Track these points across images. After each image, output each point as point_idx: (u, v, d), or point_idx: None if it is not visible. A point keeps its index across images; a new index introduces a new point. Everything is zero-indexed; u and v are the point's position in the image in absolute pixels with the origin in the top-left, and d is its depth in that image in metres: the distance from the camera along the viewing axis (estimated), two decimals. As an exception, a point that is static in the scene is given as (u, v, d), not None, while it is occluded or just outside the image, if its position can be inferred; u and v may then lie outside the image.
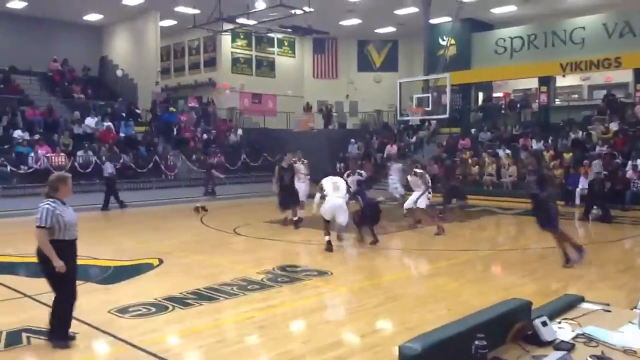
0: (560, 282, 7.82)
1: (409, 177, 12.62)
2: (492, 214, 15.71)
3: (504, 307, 3.38)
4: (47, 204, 5.25)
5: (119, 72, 26.49)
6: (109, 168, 16.75)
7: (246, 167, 22.88)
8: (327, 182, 10.18)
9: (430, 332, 3.02)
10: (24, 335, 5.51)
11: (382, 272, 8.73)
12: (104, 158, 18.33)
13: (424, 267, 9.02)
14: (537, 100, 25.27)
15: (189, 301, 6.68)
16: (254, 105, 29.32)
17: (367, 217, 10.36)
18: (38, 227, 5.20)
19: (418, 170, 12.20)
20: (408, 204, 12.41)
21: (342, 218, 10.00)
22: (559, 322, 3.37)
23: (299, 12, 19.87)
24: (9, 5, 23.12)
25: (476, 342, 2.77)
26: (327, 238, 9.91)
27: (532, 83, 25.89)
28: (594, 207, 14.47)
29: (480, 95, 28.29)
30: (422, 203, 11.90)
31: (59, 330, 5.25)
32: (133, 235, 11.96)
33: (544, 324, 3.14)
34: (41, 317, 6.09)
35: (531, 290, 7.14)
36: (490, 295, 6.64)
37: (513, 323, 3.19)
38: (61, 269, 5.09)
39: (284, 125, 28.33)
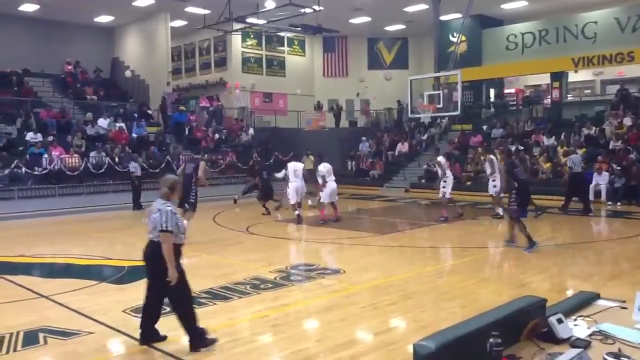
0: (575, 279, 7.78)
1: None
2: (505, 211, 15.59)
3: (518, 305, 3.38)
4: (169, 206, 4.98)
5: (127, 73, 26.64)
6: (134, 168, 16.86)
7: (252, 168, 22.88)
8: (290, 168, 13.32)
9: (444, 330, 3.03)
10: (40, 335, 5.58)
11: (395, 270, 8.71)
12: (117, 158, 18.45)
13: (437, 265, 8.99)
14: (549, 96, 25.08)
15: (202, 300, 6.71)
16: (264, 104, 29.37)
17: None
18: (164, 231, 4.87)
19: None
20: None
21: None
22: (575, 320, 3.35)
23: (308, 10, 19.85)
24: (22, 8, 23.34)
25: (491, 340, 2.77)
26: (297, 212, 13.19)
27: (544, 79, 25.69)
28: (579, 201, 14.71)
29: (492, 91, 28.13)
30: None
31: (196, 334, 5.07)
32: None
33: (560, 321, 3.13)
34: (56, 317, 6.17)
35: (545, 288, 7.11)
36: (505, 293, 6.62)
37: (528, 320, 3.18)
38: (173, 280, 4.88)
39: (295, 124, 28.36)
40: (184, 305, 5.12)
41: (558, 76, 24.57)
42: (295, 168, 13.42)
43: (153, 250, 4.99)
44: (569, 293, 6.71)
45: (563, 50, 24.04)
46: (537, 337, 3.10)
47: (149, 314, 5.24)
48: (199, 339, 5.04)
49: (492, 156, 13.36)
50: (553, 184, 17.55)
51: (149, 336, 5.23)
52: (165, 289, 4.98)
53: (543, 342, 3.07)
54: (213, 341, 5.14)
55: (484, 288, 7.22)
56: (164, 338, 5.27)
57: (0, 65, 22.82)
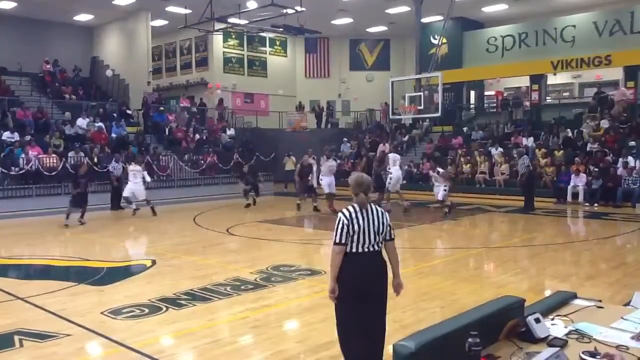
0: (553, 279, 7.87)
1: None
2: (485, 212, 15.78)
3: (497, 305, 3.40)
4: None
5: (108, 72, 26.34)
6: (114, 167, 16.72)
7: (239, 167, 22.78)
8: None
9: (424, 330, 3.03)
10: (16, 337, 5.48)
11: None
12: (96, 158, 18.23)
13: (416, 266, 9.03)
14: (528, 99, 25.38)
15: (182, 302, 6.66)
16: (246, 105, 29.26)
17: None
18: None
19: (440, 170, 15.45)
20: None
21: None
22: (552, 319, 3.38)
23: (290, 11, 19.84)
24: (-1, 6, 22.98)
25: (469, 340, 2.78)
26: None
27: (524, 81, 25.99)
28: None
29: (472, 93, 28.38)
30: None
31: None
32: (126, 236, 11.90)
33: (537, 320, 3.15)
34: (33, 320, 6.08)
35: (524, 288, 7.19)
36: (484, 293, 6.67)
37: (506, 320, 3.20)
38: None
39: (277, 125, 28.31)
40: None
41: (537, 79, 24.89)
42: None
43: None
44: (547, 293, 6.80)
45: (542, 53, 24.36)
46: (516, 337, 3.12)
47: None
48: None
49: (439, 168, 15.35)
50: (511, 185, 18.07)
51: None
52: None
53: (521, 341, 3.08)
54: None
55: (463, 288, 7.27)
56: None
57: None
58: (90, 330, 5.69)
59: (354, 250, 4.03)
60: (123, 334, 5.56)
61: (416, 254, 10.05)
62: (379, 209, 4.15)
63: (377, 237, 4.06)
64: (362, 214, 4.03)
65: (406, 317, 6.03)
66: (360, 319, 4.06)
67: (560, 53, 23.68)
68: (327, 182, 15.55)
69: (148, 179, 15.10)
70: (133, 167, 15.18)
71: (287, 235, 12.07)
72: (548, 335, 3.10)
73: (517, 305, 3.40)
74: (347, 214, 4.04)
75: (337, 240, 4.01)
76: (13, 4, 22.84)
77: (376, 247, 4.08)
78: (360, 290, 4.02)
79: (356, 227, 3.99)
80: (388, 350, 4.71)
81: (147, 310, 6.38)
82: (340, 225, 4.01)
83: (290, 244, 11.10)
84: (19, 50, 24.25)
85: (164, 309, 6.43)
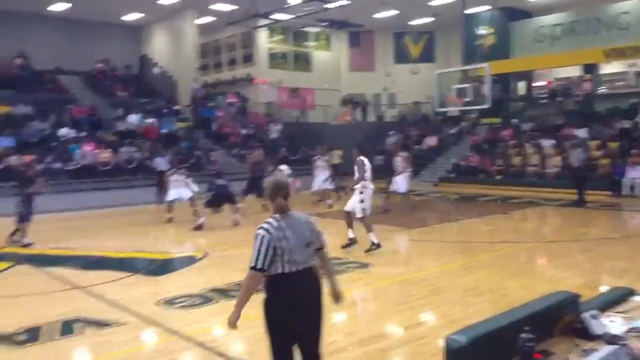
0: (609, 275, 7.66)
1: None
2: (536, 205, 15.42)
3: (551, 300, 3.35)
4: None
5: (156, 70, 26.97)
6: (162, 163, 16.88)
7: (285, 162, 22.96)
8: None
9: (476, 324, 3.02)
10: (76, 325, 5.73)
11: (422, 265, 8.69)
12: (147, 153, 18.71)
13: (465, 260, 8.93)
14: (580, 89, 24.60)
15: (232, 293, 6.79)
16: (291, 99, 29.43)
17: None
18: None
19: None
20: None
21: None
22: (610, 316, 3.31)
23: (334, 5, 19.81)
24: (53, 8, 23.77)
25: (523, 335, 2.76)
26: None
27: (575, 71, 25.20)
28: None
29: (521, 84, 27.70)
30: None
31: None
32: (178, 229, 12.19)
33: (594, 317, 3.10)
34: (92, 308, 6.33)
35: (577, 283, 7.00)
36: (535, 288, 6.54)
37: (561, 316, 3.15)
38: None
39: (322, 119, 28.37)
40: None
41: (589, 68, 24.08)
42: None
43: None
44: (602, 289, 6.62)
45: (594, 41, 23.50)
46: (571, 333, 3.08)
47: None
48: None
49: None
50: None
51: None
52: None
53: (577, 338, 3.04)
54: None
55: (513, 283, 7.15)
56: None
57: (34, 64, 23.30)
58: (146, 319, 5.90)
59: (286, 271, 3.35)
60: (176, 323, 5.73)
61: (465, 247, 9.92)
62: (301, 215, 3.54)
63: (311, 249, 3.48)
64: (287, 224, 3.39)
65: (455, 312, 6.00)
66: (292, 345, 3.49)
67: (614, 41, 22.78)
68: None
69: (195, 188, 12.93)
70: (177, 177, 12.90)
71: (333, 228, 12.12)
72: (605, 333, 3.04)
73: (571, 301, 3.34)
74: (269, 227, 3.36)
75: (258, 265, 3.32)
76: (67, 6, 23.62)
77: (310, 263, 3.47)
78: (294, 323, 3.42)
79: (285, 243, 3.33)
80: (438, 344, 4.71)
81: (199, 301, 6.55)
82: (265, 246, 3.31)
83: (338, 237, 11.13)
84: (72, 50, 25.10)
85: (215, 299, 6.59)
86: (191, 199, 12.40)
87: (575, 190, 15.39)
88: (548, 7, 25.24)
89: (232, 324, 3.50)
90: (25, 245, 10.23)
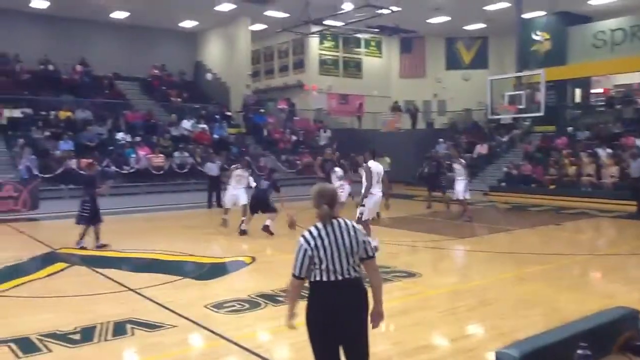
0: (669, 291, 7.30)
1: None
2: (591, 217, 14.90)
3: (608, 315, 3.23)
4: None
5: (208, 76, 27.55)
6: (213, 169, 17.31)
7: (340, 165, 22.95)
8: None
9: (529, 338, 2.94)
10: (128, 326, 5.88)
11: (472, 275, 8.52)
12: (199, 158, 19.13)
13: (516, 271, 8.71)
14: (640, 96, 23.66)
15: (280, 298, 6.83)
16: (341, 106, 29.48)
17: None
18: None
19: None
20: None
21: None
22: (671, 334, 3.16)
23: (385, 11, 19.74)
24: (113, 16, 24.67)
25: (579, 352, 2.67)
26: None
27: (635, 78, 24.27)
28: None
29: (578, 91, 26.88)
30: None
31: None
32: (228, 233, 12.37)
33: (654, 335, 2.96)
34: (143, 310, 6.49)
35: (635, 299, 6.71)
36: (589, 303, 6.31)
37: (619, 332, 3.03)
38: None
39: (372, 126, 28.29)
40: None
41: (651, 75, 23.15)
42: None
43: None
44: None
45: (657, 47, 22.60)
46: (630, 351, 2.95)
47: None
48: None
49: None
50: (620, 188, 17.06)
51: None
52: None
53: (636, 356, 2.92)
54: None
55: (566, 297, 6.93)
56: None
57: (94, 69, 24.21)
58: (194, 322, 5.99)
59: (324, 279, 3.35)
60: (224, 327, 5.80)
61: (516, 259, 9.67)
62: (348, 222, 3.47)
63: (352, 259, 3.39)
64: (327, 233, 3.38)
65: (505, 324, 5.85)
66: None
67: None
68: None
69: (253, 184, 12.91)
70: (240, 172, 12.64)
71: (382, 236, 12.04)
72: (666, 351, 2.91)
73: (631, 317, 3.21)
74: (308, 236, 3.39)
75: (296, 273, 3.41)
76: (126, 14, 24.46)
77: (352, 273, 3.40)
78: (331, 330, 3.37)
79: (322, 253, 3.33)
80: (487, 357, 4.60)
81: (247, 306, 6.62)
82: (302, 254, 3.36)
83: (385, 245, 11.06)
84: (129, 56, 25.98)
85: (263, 304, 6.64)
86: (244, 206, 12.20)
87: (634, 202, 14.80)
88: (608, 11, 24.42)
89: (289, 325, 3.59)
90: (99, 247, 10.33)
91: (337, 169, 14.94)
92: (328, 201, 3.45)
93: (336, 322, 3.36)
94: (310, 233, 3.39)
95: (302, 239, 3.39)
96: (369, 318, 3.54)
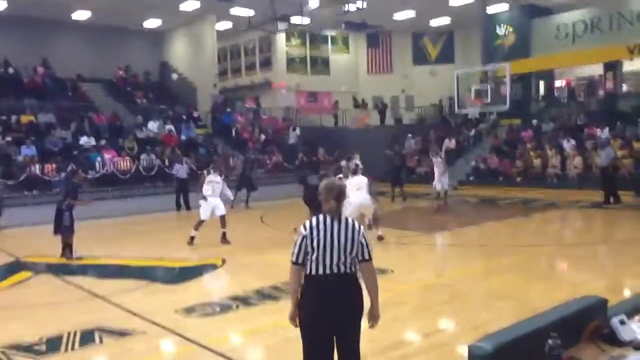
0: (635, 279, 7.47)
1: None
2: (557, 208, 15.16)
3: (577, 305, 3.25)
4: None
5: (174, 76, 27.20)
6: (181, 170, 17.10)
7: (303, 166, 22.94)
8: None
9: (501, 331, 2.94)
10: (96, 334, 5.73)
11: (443, 270, 8.58)
12: (167, 160, 18.84)
13: (486, 264, 8.80)
14: (602, 87, 24.18)
15: (252, 300, 6.76)
16: (309, 103, 29.44)
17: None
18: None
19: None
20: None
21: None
22: (638, 321, 3.20)
23: (352, 8, 19.77)
24: (75, 16, 24.10)
25: (550, 342, 2.68)
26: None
27: (597, 69, 24.78)
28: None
29: (542, 84, 27.34)
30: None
31: None
32: (197, 236, 12.20)
33: (622, 322, 2.99)
34: (111, 317, 6.34)
35: (602, 287, 6.83)
36: (558, 293, 6.40)
37: (588, 321, 3.05)
38: None
39: (341, 123, 28.31)
40: None
41: (612, 66, 23.66)
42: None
43: None
44: (628, 293, 6.45)
45: (617, 38, 23.08)
46: (599, 339, 2.98)
47: None
48: None
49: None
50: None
51: None
52: None
53: (605, 344, 2.94)
54: None
55: (536, 287, 7.02)
56: None
57: (56, 71, 23.64)
58: (165, 328, 5.88)
59: (313, 272, 3.42)
60: (196, 331, 5.70)
61: (486, 251, 9.77)
62: (354, 223, 3.52)
63: (343, 256, 3.39)
64: (325, 226, 3.44)
65: (477, 317, 5.89)
66: (324, 356, 3.47)
67: (638, 37, 22.37)
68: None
69: (230, 195, 11.99)
70: (212, 177, 11.10)
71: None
72: (634, 339, 2.94)
73: (599, 305, 3.24)
74: (307, 224, 3.49)
75: (293, 259, 3.46)
76: (88, 14, 23.94)
77: (342, 269, 3.41)
78: (322, 324, 3.41)
79: (315, 242, 3.39)
80: (460, 351, 4.61)
81: (218, 309, 6.53)
82: (300, 239, 3.45)
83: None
84: (93, 57, 25.37)
85: (235, 307, 6.56)
86: (222, 217, 11.07)
87: (599, 192, 15.10)
88: (569, 3, 24.84)
89: (291, 318, 3.56)
90: (79, 258, 9.80)
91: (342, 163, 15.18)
92: (336, 196, 3.52)
93: (324, 315, 3.40)
94: (311, 222, 3.50)
95: (301, 227, 3.50)
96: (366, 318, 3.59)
